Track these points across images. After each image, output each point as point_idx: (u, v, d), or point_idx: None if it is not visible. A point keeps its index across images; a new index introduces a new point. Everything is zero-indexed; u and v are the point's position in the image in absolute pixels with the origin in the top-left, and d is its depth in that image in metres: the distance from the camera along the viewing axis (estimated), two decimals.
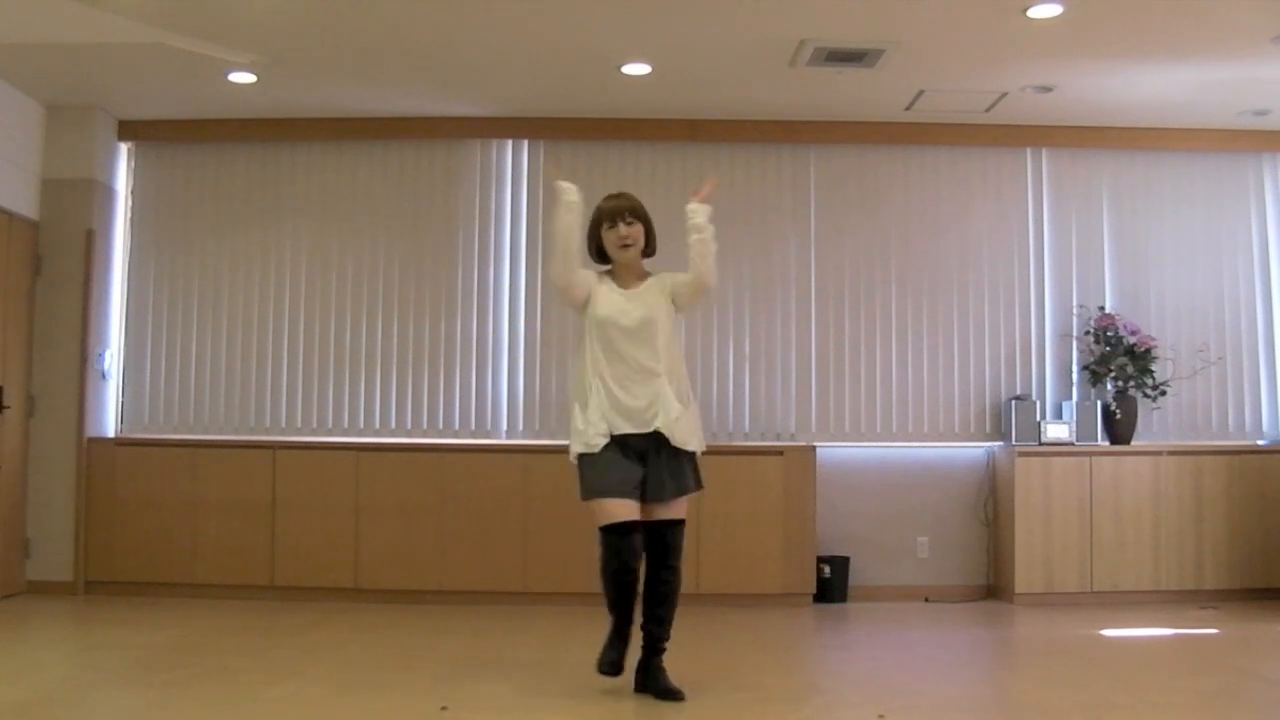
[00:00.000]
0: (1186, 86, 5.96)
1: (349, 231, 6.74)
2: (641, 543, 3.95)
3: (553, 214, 4.13)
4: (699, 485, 4.10)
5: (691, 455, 4.07)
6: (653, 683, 4.00)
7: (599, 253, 4.18)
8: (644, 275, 4.19)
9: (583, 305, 4.12)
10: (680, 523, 4.05)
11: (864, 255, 6.75)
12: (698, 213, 4.14)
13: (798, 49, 5.49)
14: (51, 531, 6.27)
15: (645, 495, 3.99)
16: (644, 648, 4.04)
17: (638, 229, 4.11)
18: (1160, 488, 6.32)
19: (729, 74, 5.90)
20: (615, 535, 3.90)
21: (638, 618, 4.02)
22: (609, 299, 4.09)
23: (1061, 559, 6.25)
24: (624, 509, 3.91)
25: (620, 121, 6.63)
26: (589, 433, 3.98)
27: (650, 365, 4.01)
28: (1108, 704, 3.99)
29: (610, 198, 4.19)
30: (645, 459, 3.99)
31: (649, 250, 4.20)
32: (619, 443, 3.98)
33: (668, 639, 4.04)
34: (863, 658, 5.05)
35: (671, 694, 3.95)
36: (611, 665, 3.96)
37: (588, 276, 4.15)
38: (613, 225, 4.09)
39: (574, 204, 4.09)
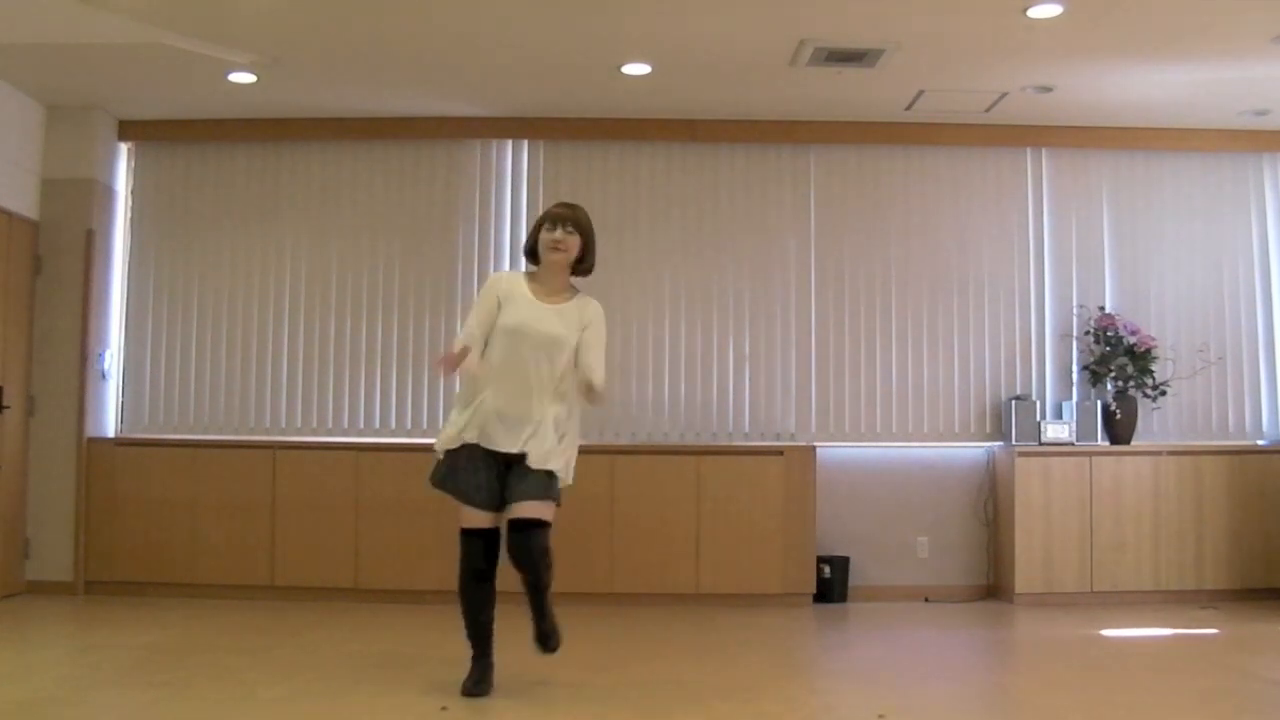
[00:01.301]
0: (1186, 86, 5.96)
1: (349, 231, 6.74)
2: (493, 550, 4.00)
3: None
4: (552, 499, 4.00)
5: (550, 472, 3.98)
6: (539, 629, 4.04)
7: (532, 251, 4.17)
8: (567, 291, 4.14)
9: (495, 318, 4.06)
10: (527, 524, 3.93)
11: (864, 255, 6.75)
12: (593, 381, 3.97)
13: (798, 49, 5.49)
14: (51, 531, 6.27)
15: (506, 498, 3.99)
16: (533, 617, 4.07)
17: (574, 240, 4.08)
18: (1160, 488, 6.32)
19: (729, 74, 5.90)
20: (470, 537, 4.00)
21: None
22: (524, 308, 4.03)
23: (1061, 559, 6.25)
24: (478, 518, 3.98)
25: (620, 121, 6.63)
26: (458, 436, 3.98)
27: (545, 385, 3.97)
28: (1108, 704, 3.99)
29: (561, 204, 4.18)
30: (510, 466, 3.97)
31: (583, 268, 4.15)
32: (483, 450, 3.98)
33: (546, 617, 4.04)
34: (863, 658, 5.05)
35: (544, 638, 4.02)
36: (471, 687, 3.98)
37: (487, 302, 4.10)
38: (552, 228, 4.08)
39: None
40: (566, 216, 4.11)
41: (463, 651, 4.04)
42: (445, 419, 4.14)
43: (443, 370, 4.02)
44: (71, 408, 6.32)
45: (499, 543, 4.03)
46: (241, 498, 6.28)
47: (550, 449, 3.96)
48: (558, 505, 4.04)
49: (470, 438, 3.98)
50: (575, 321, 4.06)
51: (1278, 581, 6.32)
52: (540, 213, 6.46)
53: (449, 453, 4.03)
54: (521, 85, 6.12)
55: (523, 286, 4.11)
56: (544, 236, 4.10)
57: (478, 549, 4.00)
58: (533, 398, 3.97)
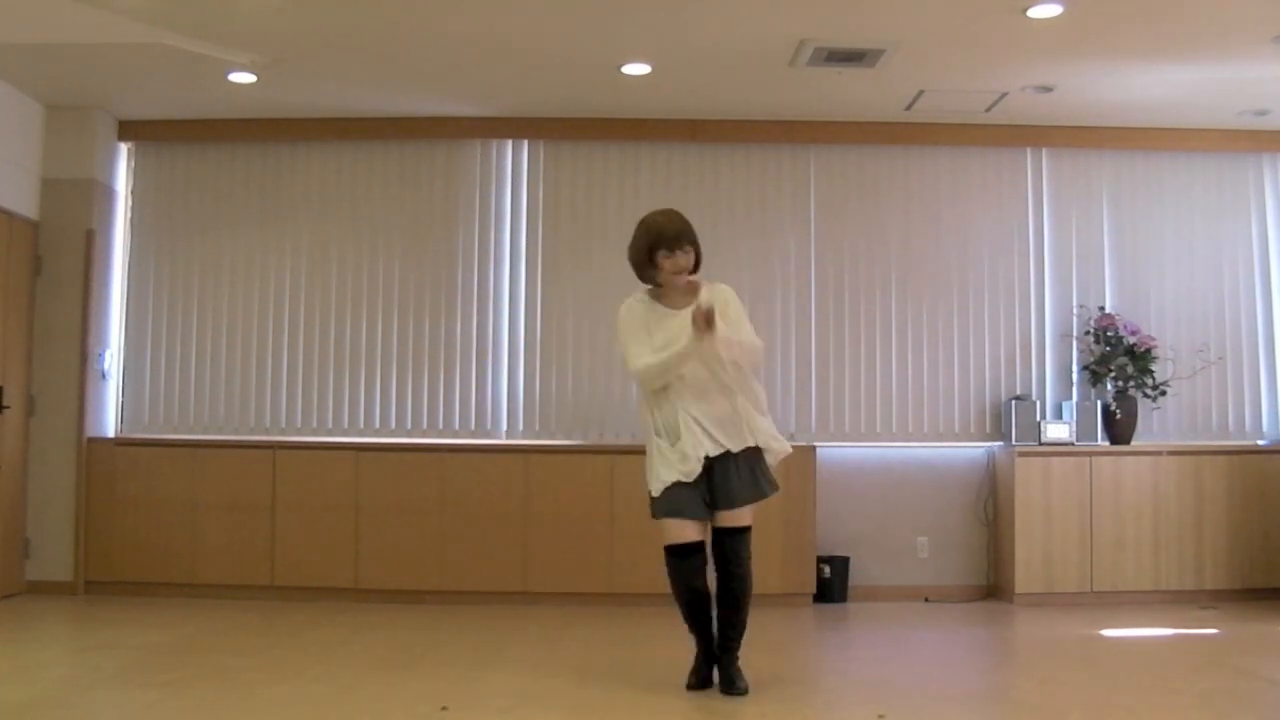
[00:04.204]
0: (1186, 86, 5.96)
1: (349, 231, 6.74)
2: (704, 561, 4.04)
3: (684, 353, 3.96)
4: (774, 488, 4.12)
5: (763, 460, 4.09)
6: (721, 677, 4.09)
7: (642, 269, 4.13)
8: (691, 291, 4.11)
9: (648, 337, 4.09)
10: (743, 530, 4.06)
11: (864, 255, 6.75)
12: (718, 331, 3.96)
13: (798, 49, 5.49)
14: (51, 531, 6.27)
15: (714, 503, 4.03)
16: (718, 645, 4.12)
17: (691, 256, 4.08)
18: (1160, 488, 6.32)
19: (729, 74, 5.90)
20: (677, 556, 4.01)
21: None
22: (668, 325, 4.02)
23: (1061, 559, 6.25)
24: (687, 530, 3.99)
25: (620, 121, 6.63)
26: (684, 468, 3.97)
27: (721, 381, 4.00)
28: (1108, 704, 3.99)
29: (665, 217, 4.08)
30: (712, 471, 4.01)
31: (695, 269, 4.17)
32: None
33: (738, 639, 4.11)
34: (863, 658, 5.05)
35: (732, 686, 4.03)
36: (697, 682, 4.10)
37: (635, 327, 4.10)
38: (670, 253, 4.04)
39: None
40: (683, 237, 4.03)
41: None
42: (648, 458, 4.10)
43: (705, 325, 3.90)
44: (71, 408, 6.32)
45: (704, 556, 4.05)
46: (241, 498, 6.28)
47: (765, 429, 4.04)
48: (775, 491, 4.11)
49: (697, 466, 3.96)
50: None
51: (1278, 581, 6.31)
52: (542, 213, 6.64)
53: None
54: (521, 85, 6.12)
55: (653, 306, 4.12)
56: (665, 262, 4.04)
57: (685, 566, 4.02)
58: (724, 394, 4.00)
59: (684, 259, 4.05)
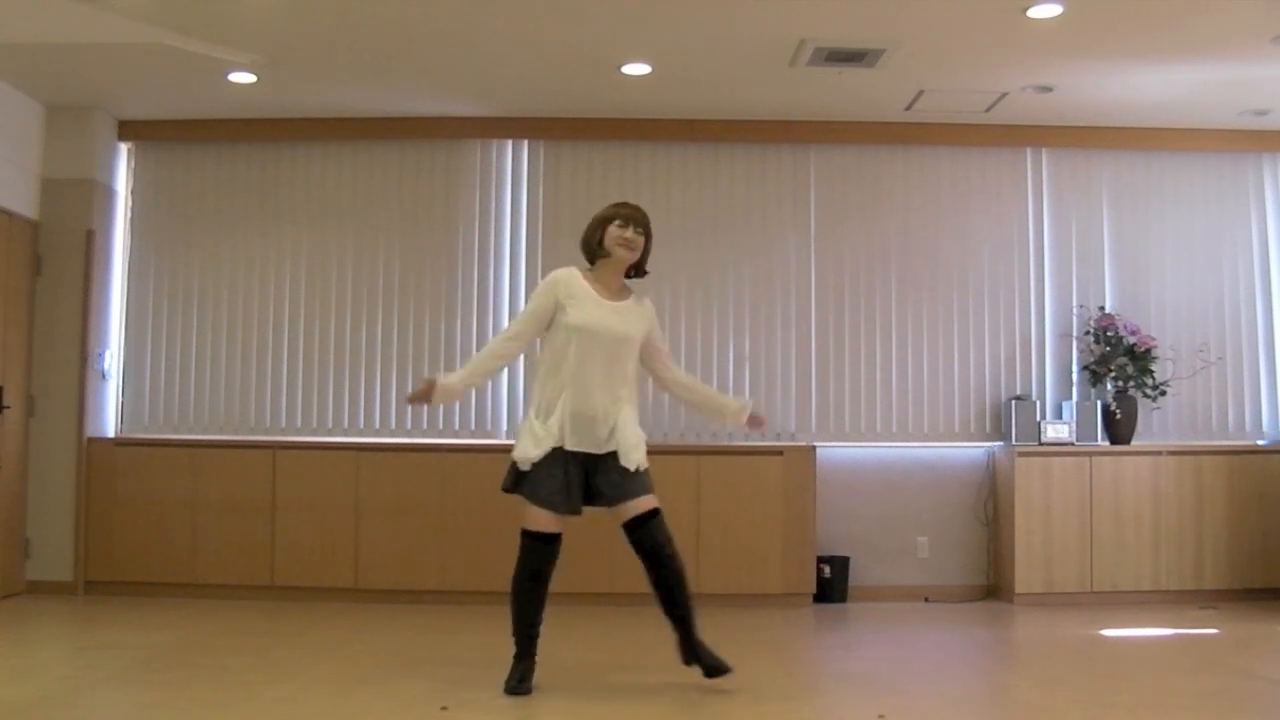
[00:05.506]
0: (1186, 86, 5.96)
1: (349, 231, 6.74)
2: (558, 553, 4.04)
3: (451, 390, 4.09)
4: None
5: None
6: (701, 659, 4.06)
7: (592, 249, 4.14)
8: (623, 290, 4.18)
9: (550, 319, 4.09)
10: (654, 513, 4.03)
11: (864, 255, 6.75)
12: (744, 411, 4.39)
13: (798, 49, 5.49)
14: (51, 531, 6.27)
15: (599, 499, 4.05)
16: (679, 634, 4.08)
17: (642, 241, 4.13)
18: (1160, 488, 6.32)
19: (729, 74, 5.90)
20: (540, 541, 4.01)
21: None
22: (591, 306, 4.05)
23: (1061, 559, 6.25)
24: (551, 522, 4.00)
25: (620, 121, 6.63)
26: (546, 441, 3.98)
27: (620, 384, 4.04)
28: (1108, 704, 3.99)
29: (626, 205, 4.17)
30: (593, 469, 4.03)
31: (640, 273, 4.20)
32: (566, 453, 4.01)
33: (693, 621, 4.08)
34: (863, 658, 5.04)
35: (715, 668, 4.03)
36: (516, 685, 4.01)
37: (545, 301, 4.10)
38: (624, 225, 4.08)
39: (453, 387, 4.07)
40: (638, 219, 4.13)
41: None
42: (520, 427, 4.13)
43: (417, 403, 4.24)
44: (71, 408, 6.32)
45: (561, 547, 4.05)
46: (241, 498, 6.28)
47: (637, 442, 4.02)
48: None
49: (551, 445, 3.99)
50: (638, 320, 4.13)
51: (1278, 581, 6.32)
52: (542, 213, 6.65)
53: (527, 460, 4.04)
54: (521, 85, 6.12)
55: (584, 284, 4.10)
56: (615, 232, 4.08)
57: (546, 552, 4.02)
58: (609, 395, 4.02)
59: (634, 236, 4.08)
